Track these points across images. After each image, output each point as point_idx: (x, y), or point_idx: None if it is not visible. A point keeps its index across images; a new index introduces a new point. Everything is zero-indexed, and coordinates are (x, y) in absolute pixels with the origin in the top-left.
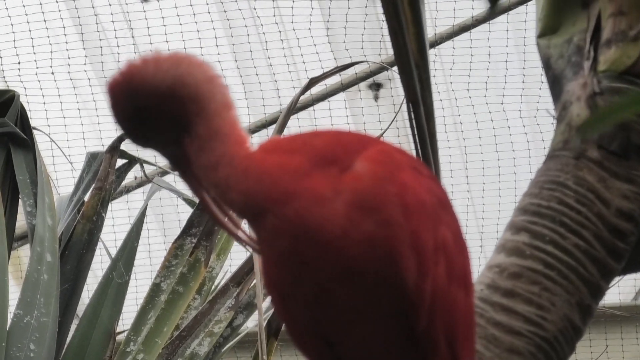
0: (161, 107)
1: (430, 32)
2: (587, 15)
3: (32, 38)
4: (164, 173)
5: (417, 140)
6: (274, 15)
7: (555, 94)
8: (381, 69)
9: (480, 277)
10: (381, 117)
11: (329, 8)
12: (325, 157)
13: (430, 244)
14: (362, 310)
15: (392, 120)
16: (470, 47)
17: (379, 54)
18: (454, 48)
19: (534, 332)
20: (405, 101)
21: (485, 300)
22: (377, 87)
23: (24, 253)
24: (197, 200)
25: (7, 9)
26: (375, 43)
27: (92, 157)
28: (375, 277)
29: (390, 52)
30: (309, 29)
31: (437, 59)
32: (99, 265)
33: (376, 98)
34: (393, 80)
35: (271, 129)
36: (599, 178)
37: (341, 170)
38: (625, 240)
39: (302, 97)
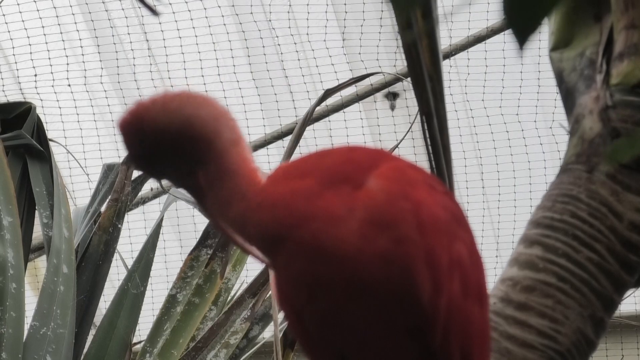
0: (170, 147)
1: (445, 43)
2: (600, 28)
3: (48, 50)
4: None
5: (431, 152)
6: (290, 27)
7: (568, 107)
8: (396, 79)
9: (494, 290)
10: (397, 127)
11: (344, 20)
12: (336, 176)
13: (445, 260)
14: (376, 326)
15: (407, 131)
16: (485, 58)
17: (394, 65)
18: (468, 59)
19: (547, 345)
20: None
21: (498, 314)
22: (393, 96)
23: (41, 264)
24: None
25: (23, 21)
26: (390, 54)
27: (109, 169)
28: (390, 294)
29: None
30: (325, 40)
31: (452, 69)
32: (117, 277)
33: (392, 108)
34: (409, 90)
35: (287, 140)
36: (612, 191)
37: (354, 188)
38: (638, 253)
39: (317, 108)
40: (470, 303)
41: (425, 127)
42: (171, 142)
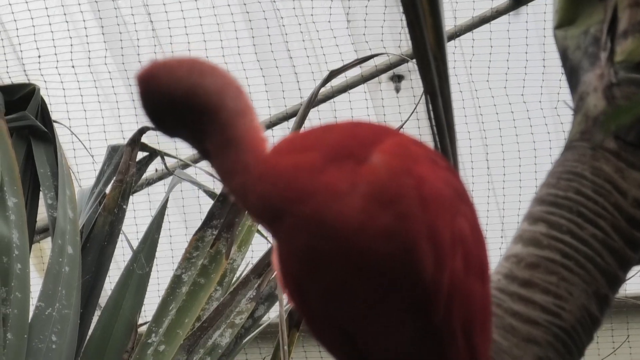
0: (174, 113)
1: (450, 24)
2: (604, 6)
3: (52, 31)
4: (185, 165)
5: (435, 132)
6: (294, 8)
7: (573, 85)
8: (401, 61)
9: (498, 267)
10: (402, 108)
11: (349, 0)
12: (339, 151)
13: (447, 236)
14: (379, 302)
15: (412, 112)
16: (490, 39)
17: (399, 46)
18: (473, 39)
19: (552, 321)
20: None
21: (502, 290)
22: (398, 79)
23: (47, 246)
24: (218, 192)
25: (27, 2)
26: (395, 35)
27: (113, 150)
28: (392, 269)
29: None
30: (329, 22)
31: (456, 50)
32: (122, 258)
33: (397, 90)
34: (414, 72)
35: (292, 122)
36: (616, 168)
37: (357, 163)
38: None
39: (322, 90)
40: (472, 279)
41: (430, 107)
42: (175, 109)
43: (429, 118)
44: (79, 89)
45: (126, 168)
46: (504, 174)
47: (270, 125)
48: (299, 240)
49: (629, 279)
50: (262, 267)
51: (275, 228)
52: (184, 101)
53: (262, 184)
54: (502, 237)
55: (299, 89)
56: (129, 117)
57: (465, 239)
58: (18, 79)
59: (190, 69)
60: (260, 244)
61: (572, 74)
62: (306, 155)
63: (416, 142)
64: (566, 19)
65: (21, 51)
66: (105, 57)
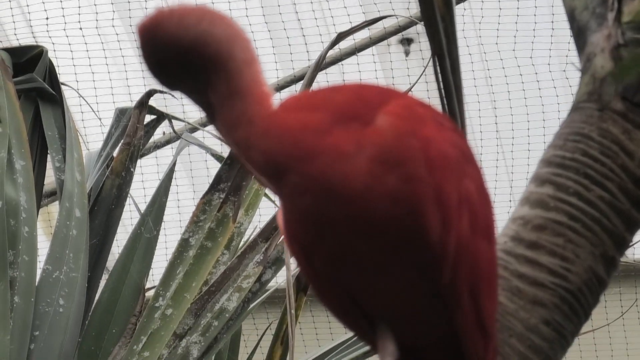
0: (183, 61)
1: None
2: None
3: None
4: (193, 129)
5: (443, 93)
6: None
7: (580, 46)
8: (410, 23)
9: (505, 229)
10: (410, 71)
11: None
12: (346, 112)
13: (454, 197)
14: (385, 264)
15: (421, 75)
16: (499, 1)
17: (408, 8)
18: (482, 1)
19: (558, 283)
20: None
21: (509, 253)
22: (407, 42)
23: (55, 209)
24: (225, 155)
25: None
26: None
27: (121, 113)
28: (398, 231)
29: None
30: None
31: (465, 12)
32: (130, 222)
33: (407, 53)
34: (423, 35)
35: (300, 85)
36: (623, 130)
37: (363, 125)
38: None
39: (331, 52)
40: (478, 240)
41: (438, 69)
42: (183, 57)
43: (437, 79)
44: (87, 51)
45: (134, 131)
46: (513, 137)
47: (278, 88)
48: (303, 200)
49: (635, 242)
50: (269, 230)
51: (279, 186)
52: (193, 49)
53: (267, 140)
54: (510, 200)
55: (307, 52)
56: (136, 79)
57: (472, 201)
58: (26, 41)
59: (199, 16)
60: (267, 207)
61: (580, 34)
62: (313, 114)
63: (422, 104)
64: None
65: (29, 13)
66: (113, 19)
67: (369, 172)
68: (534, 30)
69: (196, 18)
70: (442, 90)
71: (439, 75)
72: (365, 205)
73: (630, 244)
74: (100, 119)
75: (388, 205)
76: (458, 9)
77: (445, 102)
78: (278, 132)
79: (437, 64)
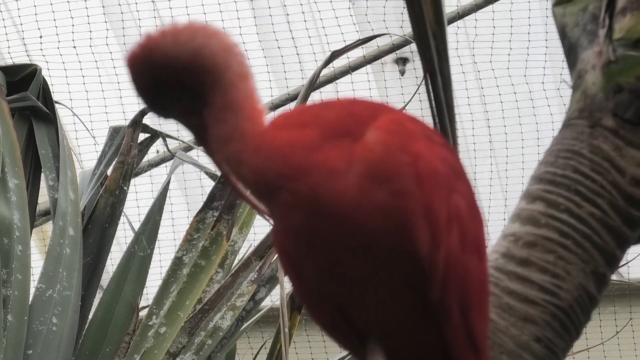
0: (180, 79)
1: (454, 4)
2: None
3: (53, 11)
4: (187, 148)
5: (435, 110)
6: None
7: (571, 63)
8: (404, 42)
9: (495, 246)
10: (405, 89)
11: None
12: (336, 129)
13: (443, 213)
14: (375, 279)
15: (414, 93)
16: (493, 19)
17: (401, 27)
18: (476, 20)
19: (549, 300)
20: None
21: (500, 269)
22: (403, 61)
23: (49, 228)
24: (219, 173)
25: None
26: (398, 16)
27: (115, 131)
28: (388, 247)
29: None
30: (331, 1)
31: (459, 31)
32: (124, 240)
33: (402, 72)
34: (418, 54)
35: (294, 104)
36: (614, 146)
37: (353, 141)
38: None
39: (325, 71)
40: (468, 256)
41: (430, 86)
42: (180, 74)
43: (428, 97)
44: (81, 69)
45: (128, 149)
46: (507, 155)
47: (273, 106)
48: (293, 216)
49: (630, 261)
50: (263, 249)
51: (269, 202)
52: (191, 63)
53: (257, 157)
54: (504, 218)
55: (302, 70)
56: (130, 98)
57: (462, 216)
58: (20, 59)
59: (192, 32)
60: (261, 225)
61: (571, 51)
62: (303, 131)
63: (412, 119)
64: None
65: (23, 31)
66: (107, 37)
67: (359, 187)
68: (527, 48)
69: (189, 34)
70: (434, 108)
71: (431, 93)
72: (356, 220)
73: (624, 262)
74: (94, 137)
75: (378, 219)
76: (452, 27)
77: (437, 119)
78: (268, 149)
79: (429, 81)
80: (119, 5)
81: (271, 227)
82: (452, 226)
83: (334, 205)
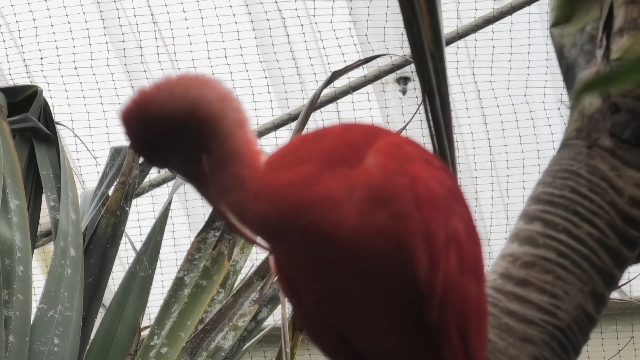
0: (177, 132)
1: (453, 25)
2: (600, 3)
3: (54, 32)
4: None
5: (433, 130)
6: (297, 8)
7: (569, 83)
8: (404, 62)
9: (494, 266)
10: (406, 109)
11: (352, 1)
12: (333, 158)
13: (441, 235)
14: (374, 303)
15: (415, 113)
16: (492, 39)
17: (402, 47)
18: (476, 40)
19: (548, 320)
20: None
21: (498, 290)
22: (404, 81)
23: (51, 248)
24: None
25: (29, 3)
26: (398, 36)
27: (116, 152)
28: (386, 269)
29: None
30: (331, 22)
31: (459, 51)
32: (126, 260)
33: (404, 92)
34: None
35: (295, 123)
36: (612, 166)
37: (352, 167)
38: (638, 229)
39: (326, 91)
40: (466, 278)
41: (428, 106)
42: (178, 127)
43: (427, 118)
44: (82, 90)
45: (129, 170)
46: (508, 175)
47: (274, 127)
48: (299, 252)
49: (632, 279)
50: (264, 269)
51: (276, 243)
52: (188, 116)
53: (258, 202)
54: (506, 237)
55: (303, 90)
56: None
57: (460, 239)
58: (20, 80)
59: (187, 84)
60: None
61: (569, 71)
62: (300, 168)
63: (410, 142)
64: (562, 16)
65: (24, 52)
66: (108, 58)
67: (359, 213)
68: (528, 68)
69: (184, 86)
70: (432, 128)
71: (429, 113)
72: (357, 246)
73: (626, 281)
74: (95, 158)
75: (377, 243)
76: (452, 47)
77: (435, 140)
78: (268, 194)
79: (428, 102)
80: (120, 26)
81: (272, 257)
82: (451, 249)
83: (337, 235)
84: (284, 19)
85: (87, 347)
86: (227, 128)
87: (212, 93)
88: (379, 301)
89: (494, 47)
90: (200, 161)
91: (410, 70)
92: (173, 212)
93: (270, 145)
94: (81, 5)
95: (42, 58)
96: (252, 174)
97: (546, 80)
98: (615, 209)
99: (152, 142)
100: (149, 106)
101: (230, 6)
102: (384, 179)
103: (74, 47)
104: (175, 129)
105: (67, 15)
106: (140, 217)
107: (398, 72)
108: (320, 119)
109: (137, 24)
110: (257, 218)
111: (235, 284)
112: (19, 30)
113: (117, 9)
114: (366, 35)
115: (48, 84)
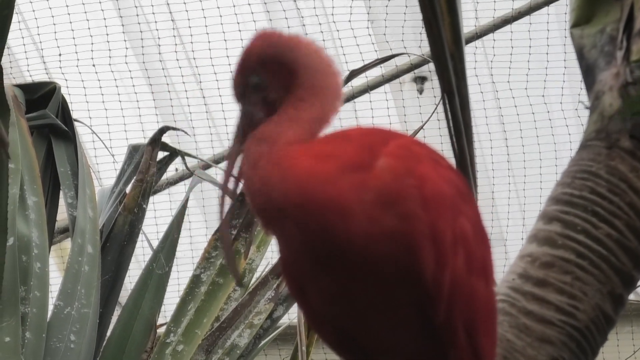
0: (269, 68)
1: (472, 25)
2: (620, 5)
3: (72, 30)
4: (205, 166)
5: (452, 130)
6: (315, 7)
7: (588, 84)
8: (422, 61)
9: (513, 266)
10: (423, 109)
11: (370, 0)
12: (352, 162)
13: (449, 235)
14: (381, 302)
15: (432, 113)
16: (511, 39)
17: (420, 46)
18: (494, 40)
19: (566, 321)
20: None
21: (517, 290)
22: (421, 80)
23: (68, 245)
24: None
25: (47, 0)
26: (416, 35)
27: (134, 149)
28: (394, 269)
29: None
30: (349, 21)
31: (478, 51)
32: (143, 257)
33: (420, 91)
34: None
35: None
36: (631, 168)
37: (366, 171)
38: None
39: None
40: (474, 279)
41: (447, 106)
42: (272, 64)
43: (446, 118)
44: (100, 87)
45: (147, 167)
46: (525, 175)
47: None
48: (305, 248)
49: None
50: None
51: (277, 227)
52: (299, 58)
53: (276, 171)
54: (522, 238)
55: None
56: (150, 116)
57: (467, 239)
58: (39, 77)
59: (313, 45)
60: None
61: (588, 72)
62: (323, 165)
63: (419, 143)
64: (582, 17)
65: (42, 49)
66: (126, 55)
67: (369, 216)
68: (546, 68)
69: (310, 44)
70: (452, 128)
71: (449, 113)
72: (365, 247)
73: None
74: (113, 155)
75: (385, 243)
76: (470, 47)
77: (454, 139)
78: (286, 171)
79: (447, 101)
80: (139, 24)
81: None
82: (458, 248)
83: (345, 238)
84: (302, 17)
85: (104, 344)
86: (312, 94)
87: (316, 61)
88: (385, 302)
89: (512, 47)
90: (267, 108)
91: (428, 69)
92: (190, 210)
93: None
94: (100, 2)
95: (60, 55)
96: (290, 142)
97: (564, 81)
98: (634, 210)
99: (255, 68)
100: (280, 36)
101: (249, 4)
102: (393, 181)
103: (92, 44)
104: (280, 61)
105: (85, 12)
106: (157, 214)
107: (415, 71)
108: (338, 118)
109: (155, 22)
110: (264, 186)
111: (252, 282)
112: (38, 27)
113: (136, 7)
114: (384, 34)
115: (66, 80)
